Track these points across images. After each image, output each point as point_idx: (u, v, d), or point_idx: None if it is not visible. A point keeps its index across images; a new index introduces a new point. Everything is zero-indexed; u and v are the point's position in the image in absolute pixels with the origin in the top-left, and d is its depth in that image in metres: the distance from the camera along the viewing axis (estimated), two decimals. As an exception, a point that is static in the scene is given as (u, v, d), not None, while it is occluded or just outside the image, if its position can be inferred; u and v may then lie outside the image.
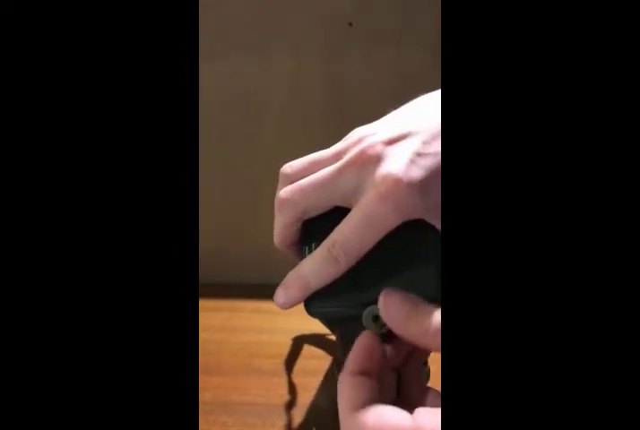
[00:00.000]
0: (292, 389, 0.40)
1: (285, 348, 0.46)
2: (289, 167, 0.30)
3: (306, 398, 0.38)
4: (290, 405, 0.38)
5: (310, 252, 0.28)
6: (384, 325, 0.25)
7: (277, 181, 0.30)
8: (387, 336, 0.26)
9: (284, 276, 0.28)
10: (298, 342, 0.47)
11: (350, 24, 0.55)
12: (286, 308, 0.28)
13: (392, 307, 0.24)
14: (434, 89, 0.29)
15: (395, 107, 0.30)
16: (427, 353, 0.28)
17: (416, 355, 0.27)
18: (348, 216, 0.26)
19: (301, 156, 0.31)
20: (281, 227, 0.29)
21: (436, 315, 0.23)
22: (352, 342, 0.29)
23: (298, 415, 0.36)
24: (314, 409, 0.37)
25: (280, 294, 0.28)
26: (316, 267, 0.27)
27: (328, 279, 0.27)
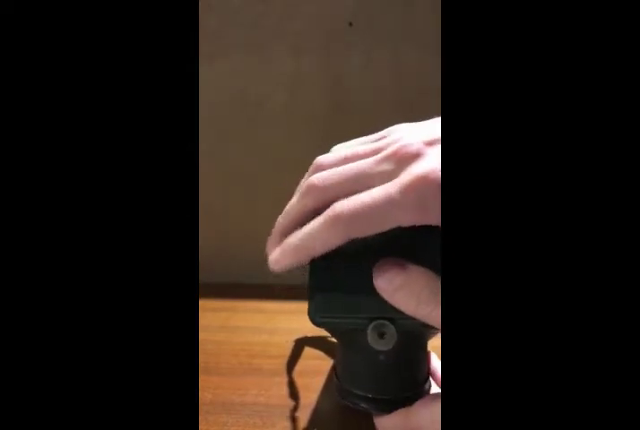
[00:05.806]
0: (293, 389, 0.40)
1: (285, 348, 0.46)
2: (325, 157, 0.29)
3: (306, 398, 0.38)
4: (291, 405, 0.37)
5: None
6: (388, 342, 0.26)
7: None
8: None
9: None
10: (300, 344, 0.47)
11: (350, 24, 0.55)
12: (277, 269, 0.27)
13: (384, 276, 0.25)
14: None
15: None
16: None
17: None
18: (371, 190, 0.25)
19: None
20: (299, 212, 0.28)
21: (426, 280, 0.24)
22: (355, 352, 0.29)
23: (299, 415, 0.36)
24: (314, 410, 0.37)
25: (276, 251, 0.27)
26: (316, 228, 0.26)
27: (326, 244, 0.26)
